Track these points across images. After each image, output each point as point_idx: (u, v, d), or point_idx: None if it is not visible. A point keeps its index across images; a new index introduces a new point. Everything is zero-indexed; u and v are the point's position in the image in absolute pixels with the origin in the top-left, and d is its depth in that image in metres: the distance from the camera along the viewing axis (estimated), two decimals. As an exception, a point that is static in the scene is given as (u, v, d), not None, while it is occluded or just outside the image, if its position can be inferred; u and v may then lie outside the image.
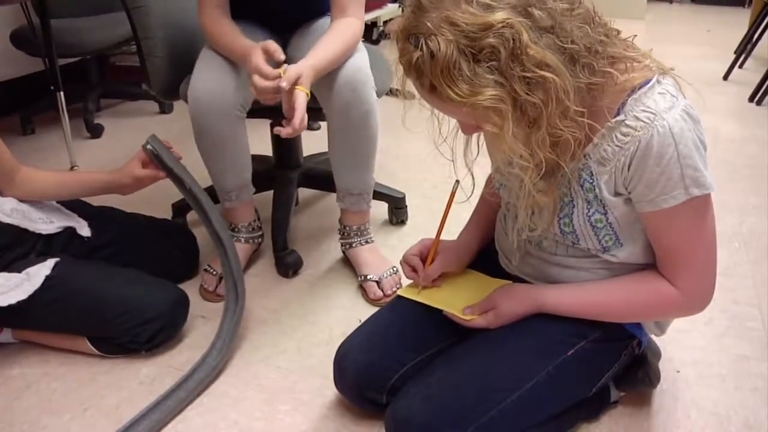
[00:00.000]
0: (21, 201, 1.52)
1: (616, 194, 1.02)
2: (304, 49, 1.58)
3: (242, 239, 1.84)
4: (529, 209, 1.09)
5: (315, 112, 1.67)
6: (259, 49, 1.49)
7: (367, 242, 1.84)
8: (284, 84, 1.40)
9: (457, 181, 1.18)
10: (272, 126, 1.98)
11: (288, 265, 1.85)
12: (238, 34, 1.60)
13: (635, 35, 1.05)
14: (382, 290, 1.71)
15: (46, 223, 1.52)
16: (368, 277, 1.74)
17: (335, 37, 1.60)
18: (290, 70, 1.43)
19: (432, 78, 0.89)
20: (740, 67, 3.87)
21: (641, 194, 0.99)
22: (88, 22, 3.09)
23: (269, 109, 1.62)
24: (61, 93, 2.56)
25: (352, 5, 1.65)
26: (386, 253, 1.85)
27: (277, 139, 2.09)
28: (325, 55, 1.54)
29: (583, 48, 0.91)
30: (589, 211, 1.05)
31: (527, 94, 0.88)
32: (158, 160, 1.52)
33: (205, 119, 1.62)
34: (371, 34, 4.72)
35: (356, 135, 1.68)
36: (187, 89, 1.62)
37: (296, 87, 1.43)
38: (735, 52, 4.00)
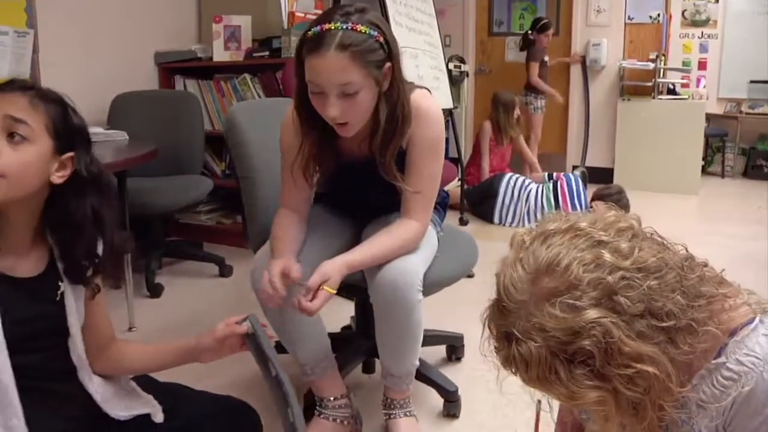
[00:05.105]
0: (105, 378, 1.47)
1: (715, 437, 0.96)
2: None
3: (328, 416, 1.81)
4: None
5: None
6: (280, 264, 1.59)
7: (406, 415, 1.84)
8: (308, 284, 1.53)
9: (539, 401, 1.12)
10: (356, 301, 2.17)
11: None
12: (289, 242, 1.70)
13: (723, 269, 1.03)
14: None
15: (124, 410, 1.46)
16: None
17: (389, 236, 1.67)
18: (315, 276, 1.54)
19: (529, 381, 0.89)
20: (799, 249, 3.78)
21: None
22: (161, 183, 3.16)
23: (350, 289, 1.75)
24: (128, 255, 2.59)
25: (416, 210, 1.71)
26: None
27: (358, 309, 2.19)
28: (369, 252, 1.63)
29: (680, 312, 0.88)
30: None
31: (628, 389, 0.86)
32: (252, 339, 1.42)
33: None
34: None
35: (397, 328, 1.70)
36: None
37: (323, 287, 1.53)
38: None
